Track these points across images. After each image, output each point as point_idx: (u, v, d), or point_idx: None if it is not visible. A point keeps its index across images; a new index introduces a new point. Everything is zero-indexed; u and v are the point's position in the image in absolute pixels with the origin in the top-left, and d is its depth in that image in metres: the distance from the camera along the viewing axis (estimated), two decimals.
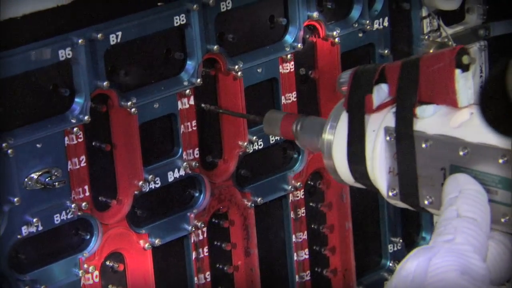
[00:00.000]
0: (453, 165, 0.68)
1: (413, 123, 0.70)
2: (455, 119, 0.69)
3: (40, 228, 0.83)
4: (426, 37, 1.02)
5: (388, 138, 0.72)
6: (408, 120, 0.71)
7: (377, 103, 0.73)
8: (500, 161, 0.66)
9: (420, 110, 0.71)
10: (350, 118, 0.74)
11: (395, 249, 1.04)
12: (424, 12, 1.02)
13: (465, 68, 0.69)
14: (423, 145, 0.70)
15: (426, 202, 0.70)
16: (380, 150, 0.72)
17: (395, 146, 0.71)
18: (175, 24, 0.87)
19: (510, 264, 0.65)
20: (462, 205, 0.66)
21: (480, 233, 0.65)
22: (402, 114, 0.71)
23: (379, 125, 0.72)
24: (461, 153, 0.68)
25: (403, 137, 0.71)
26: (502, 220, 0.66)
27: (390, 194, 0.72)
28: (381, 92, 0.73)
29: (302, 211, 0.98)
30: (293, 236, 0.98)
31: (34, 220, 0.82)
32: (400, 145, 0.71)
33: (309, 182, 0.99)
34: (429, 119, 0.70)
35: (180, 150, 0.90)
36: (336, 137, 0.75)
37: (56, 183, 0.83)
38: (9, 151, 0.81)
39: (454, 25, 1.03)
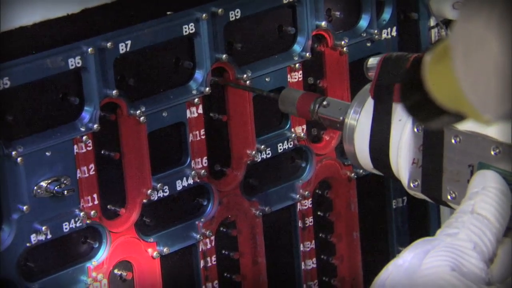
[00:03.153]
0: (482, 163, 0.67)
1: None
2: None
3: (49, 236, 0.83)
4: None
5: (415, 129, 0.71)
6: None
7: None
8: None
9: None
10: (376, 105, 0.73)
11: None
12: (432, 22, 1.02)
13: None
14: (453, 141, 0.69)
15: (449, 197, 0.70)
16: (407, 140, 0.71)
17: (422, 138, 0.70)
18: (184, 33, 0.88)
19: None
20: (479, 202, 0.65)
21: (487, 233, 0.64)
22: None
23: (406, 115, 0.70)
24: (492, 152, 0.67)
25: (432, 130, 0.70)
26: None
27: (412, 185, 0.71)
28: None
29: (310, 220, 0.98)
30: (301, 245, 0.98)
31: (43, 228, 0.83)
32: (428, 138, 0.70)
33: (317, 191, 0.99)
34: None
35: (189, 159, 0.90)
36: (360, 122, 0.75)
37: (65, 191, 0.83)
38: (19, 159, 0.81)
39: None
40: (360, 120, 0.75)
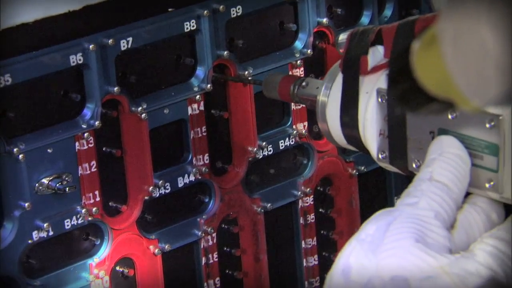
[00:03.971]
0: (442, 128, 0.67)
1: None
2: None
3: (51, 233, 0.83)
4: None
5: (380, 99, 0.70)
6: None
7: (372, 64, 0.71)
8: (487, 125, 0.64)
9: None
10: (345, 79, 0.73)
11: None
12: None
13: None
14: None
15: (414, 165, 0.69)
16: (372, 112, 0.71)
17: (386, 108, 0.70)
18: (186, 30, 0.88)
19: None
20: (437, 168, 0.64)
21: (447, 199, 0.63)
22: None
23: (372, 87, 0.71)
24: (449, 116, 0.66)
25: (394, 100, 0.69)
26: (487, 185, 0.65)
27: (380, 156, 0.71)
28: (377, 54, 0.72)
29: (311, 217, 0.98)
30: (303, 242, 0.98)
31: (45, 225, 0.83)
32: (390, 108, 0.70)
33: (318, 188, 0.99)
34: None
35: (190, 156, 0.90)
36: (330, 98, 0.74)
37: (67, 188, 0.83)
38: (20, 156, 0.81)
39: None
40: (330, 96, 0.74)
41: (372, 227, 0.62)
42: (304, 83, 0.80)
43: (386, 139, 0.71)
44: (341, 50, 0.74)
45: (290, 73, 0.94)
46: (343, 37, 0.74)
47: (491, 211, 0.65)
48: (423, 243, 0.61)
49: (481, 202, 0.65)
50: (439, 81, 0.54)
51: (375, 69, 0.71)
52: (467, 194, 0.66)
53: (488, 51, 0.49)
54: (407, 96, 0.58)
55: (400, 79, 0.58)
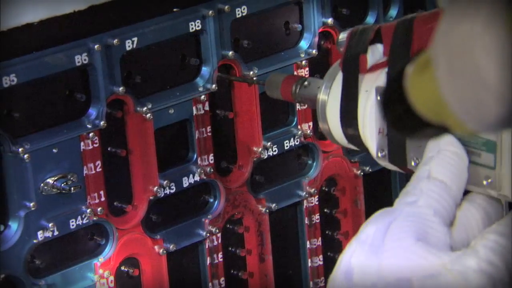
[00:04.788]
0: None
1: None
2: None
3: (56, 233, 0.83)
4: None
5: (378, 98, 0.70)
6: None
7: (371, 63, 0.71)
8: None
9: None
10: (345, 78, 0.72)
11: None
12: None
13: None
14: None
15: (413, 163, 0.69)
16: (371, 110, 0.71)
17: None
18: (191, 30, 0.88)
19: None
20: (435, 166, 0.64)
21: (445, 197, 0.63)
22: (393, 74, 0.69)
23: (371, 86, 0.71)
24: None
25: None
26: (484, 182, 0.64)
27: (379, 155, 0.71)
28: (376, 52, 0.71)
29: (316, 217, 0.98)
30: (308, 242, 0.98)
31: (50, 225, 0.83)
32: None
33: (323, 188, 0.99)
34: None
35: (195, 156, 0.90)
36: (330, 97, 0.74)
37: (72, 188, 0.83)
38: (25, 156, 0.81)
39: None
40: (330, 95, 0.74)
41: (372, 228, 0.62)
42: (306, 83, 0.79)
43: (385, 137, 0.70)
44: (341, 49, 0.74)
45: (295, 73, 0.94)
46: (343, 36, 0.74)
47: (489, 208, 0.65)
48: (424, 241, 0.61)
49: (480, 199, 0.65)
50: (433, 106, 0.54)
51: (374, 67, 0.71)
52: (466, 192, 0.66)
53: (483, 75, 0.49)
54: (401, 121, 0.58)
55: (393, 103, 0.58)
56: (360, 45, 0.72)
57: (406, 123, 0.57)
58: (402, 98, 0.56)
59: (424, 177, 0.64)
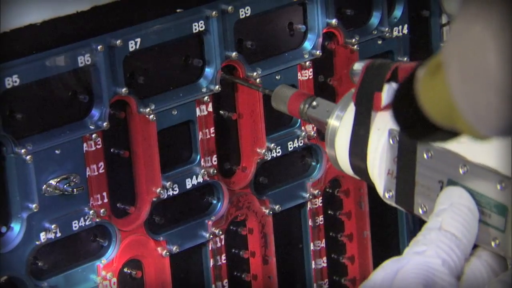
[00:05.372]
0: (452, 180, 0.67)
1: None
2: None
3: (59, 234, 0.83)
4: None
5: (391, 141, 0.71)
6: None
7: (386, 101, 0.71)
8: (498, 186, 0.64)
9: None
10: (357, 112, 0.73)
11: None
12: (444, 20, 1.01)
13: None
14: (425, 156, 0.69)
15: (420, 210, 0.70)
16: (382, 151, 0.71)
17: (397, 151, 0.70)
18: (194, 31, 0.87)
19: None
20: (447, 218, 0.65)
21: (455, 249, 0.64)
22: None
23: (384, 125, 0.71)
24: (460, 170, 0.66)
25: (406, 144, 0.70)
26: (493, 244, 0.65)
27: (387, 195, 0.72)
28: (391, 91, 0.72)
29: (320, 219, 0.98)
30: (311, 244, 0.98)
31: (53, 226, 0.82)
32: (401, 151, 0.70)
33: (327, 190, 0.99)
34: None
35: (198, 157, 0.90)
36: (341, 127, 0.74)
37: (75, 189, 0.82)
38: (28, 157, 0.81)
39: None
40: (342, 125, 0.74)
41: (380, 275, 0.63)
42: (314, 103, 0.80)
43: (394, 180, 0.71)
44: (354, 79, 0.74)
45: (299, 74, 0.94)
46: (358, 66, 0.74)
47: (495, 265, 0.65)
48: None
49: (487, 255, 0.66)
50: (444, 110, 0.54)
51: (389, 106, 0.71)
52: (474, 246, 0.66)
53: (495, 79, 0.48)
54: (411, 124, 0.58)
55: (404, 107, 0.58)
56: (376, 82, 0.72)
57: (417, 127, 0.57)
58: (412, 102, 0.56)
59: (435, 228, 0.65)
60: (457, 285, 0.63)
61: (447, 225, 0.64)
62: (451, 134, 0.56)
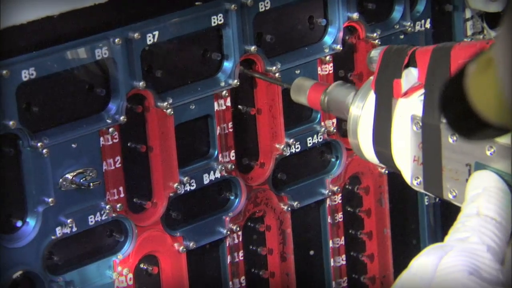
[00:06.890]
0: (479, 163, 0.67)
1: (441, 115, 0.68)
2: None
3: (74, 229, 0.82)
4: (469, 39, 1.00)
5: (414, 127, 0.70)
6: (435, 112, 0.69)
7: (405, 87, 0.71)
8: None
9: None
10: (377, 100, 0.72)
11: None
12: (467, 14, 1.00)
13: None
14: (450, 140, 0.68)
15: (450, 195, 0.69)
16: (406, 138, 0.71)
17: (421, 136, 0.70)
18: (213, 24, 0.86)
19: None
20: (483, 203, 0.65)
21: (497, 233, 0.63)
22: (429, 105, 0.69)
23: (407, 112, 0.71)
24: (487, 152, 0.66)
25: (430, 129, 0.69)
26: None
27: (415, 183, 0.71)
28: (410, 77, 0.71)
29: (339, 216, 0.97)
30: (330, 242, 0.97)
31: (69, 221, 0.82)
32: (425, 137, 0.69)
33: (347, 187, 0.98)
34: None
35: (216, 152, 0.89)
36: (362, 116, 0.74)
37: (91, 183, 0.82)
38: (44, 151, 0.80)
39: (498, 28, 1.01)
40: (363, 114, 0.74)
41: (423, 262, 0.62)
42: (332, 94, 0.79)
43: (420, 166, 0.70)
44: (372, 65, 0.73)
45: (319, 69, 0.93)
46: (375, 53, 0.73)
47: None
48: (477, 276, 0.61)
49: None
50: (494, 106, 0.53)
51: (409, 92, 0.71)
52: None
53: None
54: (460, 121, 0.57)
55: (453, 103, 0.57)
56: (394, 68, 0.71)
57: (466, 123, 0.57)
58: (462, 98, 0.56)
59: (474, 214, 0.64)
60: (502, 271, 0.63)
61: (485, 209, 0.64)
62: (502, 130, 0.56)
